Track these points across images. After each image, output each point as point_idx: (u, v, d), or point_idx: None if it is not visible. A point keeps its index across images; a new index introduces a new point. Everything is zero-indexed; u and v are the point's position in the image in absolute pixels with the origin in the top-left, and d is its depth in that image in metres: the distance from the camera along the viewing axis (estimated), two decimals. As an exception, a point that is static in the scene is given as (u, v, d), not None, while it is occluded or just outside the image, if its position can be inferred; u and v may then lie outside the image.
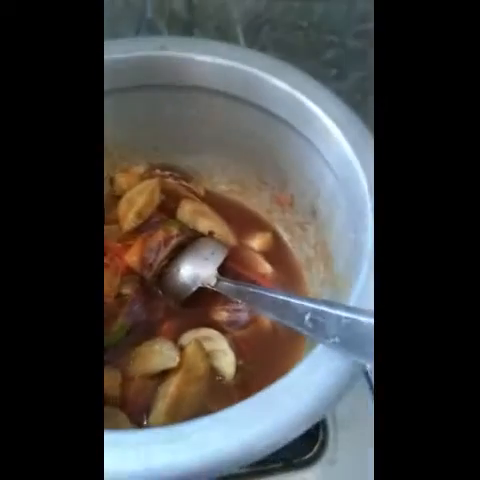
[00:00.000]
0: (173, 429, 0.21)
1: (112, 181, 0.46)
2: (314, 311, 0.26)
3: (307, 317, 0.26)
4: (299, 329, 0.26)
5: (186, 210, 0.45)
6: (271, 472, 0.39)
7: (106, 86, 0.39)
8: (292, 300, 0.29)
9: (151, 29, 0.47)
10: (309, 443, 0.41)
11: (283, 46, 0.49)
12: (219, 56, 0.37)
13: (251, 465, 0.34)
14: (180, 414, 0.33)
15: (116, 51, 0.39)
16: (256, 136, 0.41)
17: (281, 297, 0.31)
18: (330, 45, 0.50)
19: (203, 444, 0.21)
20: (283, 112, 0.37)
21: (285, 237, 0.45)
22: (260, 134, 0.41)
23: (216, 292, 0.39)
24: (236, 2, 0.46)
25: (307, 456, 0.40)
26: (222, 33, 0.48)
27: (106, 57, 0.38)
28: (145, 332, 0.38)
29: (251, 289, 0.34)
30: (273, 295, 0.32)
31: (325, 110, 0.33)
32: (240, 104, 0.39)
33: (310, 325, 0.25)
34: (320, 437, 0.41)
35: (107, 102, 0.40)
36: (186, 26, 0.47)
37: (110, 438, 0.20)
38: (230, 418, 0.22)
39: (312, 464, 0.39)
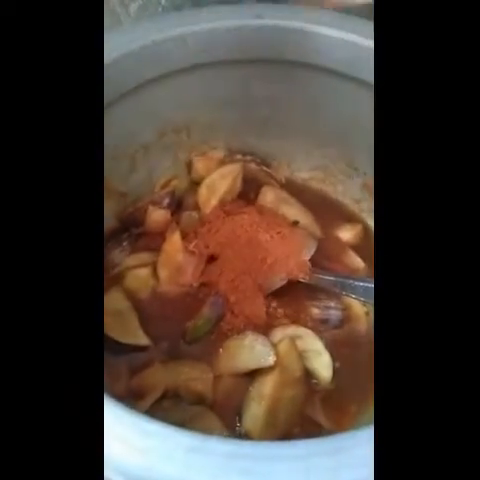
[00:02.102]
0: (331, 440, 0.18)
1: (189, 165, 0.43)
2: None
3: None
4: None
5: (267, 197, 0.42)
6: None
7: (191, 61, 0.37)
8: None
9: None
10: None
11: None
12: (327, 26, 0.33)
13: None
14: (278, 420, 0.30)
15: (206, 20, 0.35)
16: (354, 116, 0.38)
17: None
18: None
19: (367, 459, 0.17)
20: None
21: (377, 229, 0.41)
22: (358, 113, 0.37)
23: (305, 286, 0.36)
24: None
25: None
26: (313, 3, 0.44)
27: (194, 27, 0.35)
28: (230, 326, 0.35)
29: (357, 282, 0.31)
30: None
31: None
32: (343, 81, 0.35)
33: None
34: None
35: (191, 78, 0.38)
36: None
37: (262, 450, 0.17)
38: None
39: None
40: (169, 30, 0.34)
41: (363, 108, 0.37)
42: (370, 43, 0.32)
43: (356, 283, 0.31)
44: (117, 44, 0.33)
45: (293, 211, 0.41)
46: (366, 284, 0.30)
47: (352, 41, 0.33)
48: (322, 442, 0.18)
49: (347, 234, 0.41)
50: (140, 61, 0.34)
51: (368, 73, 0.34)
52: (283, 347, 0.32)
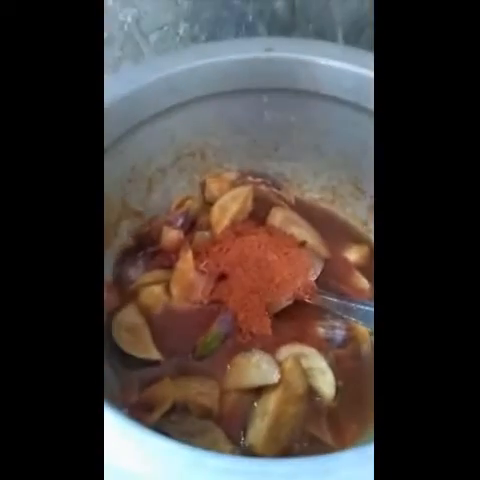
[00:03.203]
0: (317, 461, 0.19)
1: (203, 186, 0.45)
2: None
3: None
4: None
5: (277, 218, 0.43)
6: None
7: (207, 90, 0.39)
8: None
9: (250, 32, 0.46)
10: None
11: (386, 49, 0.46)
12: (333, 58, 0.35)
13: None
14: (280, 436, 0.31)
15: (221, 53, 0.38)
16: (360, 142, 0.39)
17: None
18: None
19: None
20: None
21: (383, 251, 0.42)
22: (364, 140, 0.39)
23: (311, 306, 0.37)
24: (339, 3, 0.44)
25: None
26: (321, 35, 0.46)
27: (210, 60, 0.38)
28: (238, 343, 0.36)
29: (360, 306, 0.32)
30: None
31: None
32: (349, 109, 0.37)
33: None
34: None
35: (207, 106, 0.40)
36: (286, 28, 0.46)
37: (256, 467, 0.18)
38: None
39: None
40: (184, 63, 0.36)
41: (369, 135, 0.38)
42: (372, 74, 0.34)
43: (359, 306, 0.32)
44: (136, 77, 0.36)
45: (302, 231, 0.43)
46: (368, 308, 0.31)
47: (357, 72, 0.35)
48: (310, 462, 0.19)
49: (354, 255, 0.42)
50: (157, 92, 0.36)
51: (371, 101, 0.35)
52: (288, 365, 0.33)
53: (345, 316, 0.34)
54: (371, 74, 0.34)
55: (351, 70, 0.34)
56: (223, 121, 0.41)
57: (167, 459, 0.19)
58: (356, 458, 0.19)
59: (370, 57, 0.36)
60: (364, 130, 0.38)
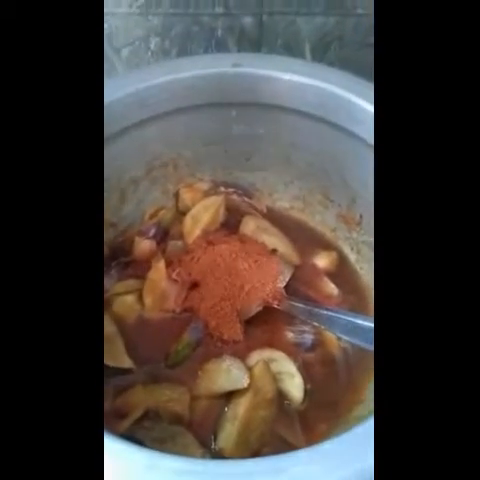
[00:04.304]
0: (272, 461, 0.20)
1: (177, 196, 0.46)
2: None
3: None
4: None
5: (249, 226, 0.44)
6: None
7: (177, 104, 0.40)
8: (372, 325, 0.28)
9: (220, 47, 0.47)
10: None
11: (351, 63, 0.48)
12: (295, 73, 0.36)
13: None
14: (250, 439, 0.32)
15: (189, 68, 0.39)
16: (326, 153, 0.41)
17: (359, 321, 0.30)
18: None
19: (305, 479, 0.20)
20: (360, 130, 0.36)
21: (351, 257, 0.44)
22: (331, 151, 0.40)
23: (280, 312, 0.39)
24: (306, 20, 0.46)
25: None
26: (289, 50, 0.48)
27: (179, 75, 0.39)
28: (210, 350, 0.37)
29: (324, 311, 0.33)
30: (350, 319, 0.30)
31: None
32: (313, 121, 0.38)
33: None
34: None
35: (177, 119, 0.41)
36: (254, 44, 0.47)
37: (209, 468, 0.19)
38: (330, 453, 0.21)
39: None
40: (153, 78, 0.37)
41: (333, 146, 0.40)
42: (334, 89, 0.36)
43: (325, 312, 0.33)
44: (107, 91, 0.37)
45: (272, 239, 0.44)
46: (335, 314, 0.32)
47: (320, 87, 0.36)
48: (264, 461, 0.20)
49: (323, 261, 0.44)
50: (127, 106, 0.37)
51: (335, 115, 0.37)
52: (257, 370, 0.34)
53: (311, 321, 0.35)
54: (334, 89, 0.36)
55: (314, 85, 0.36)
56: (194, 134, 0.42)
57: (126, 461, 0.20)
58: (308, 456, 0.21)
59: (333, 72, 0.38)
60: (329, 143, 0.40)
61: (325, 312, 0.32)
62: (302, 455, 0.21)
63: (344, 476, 0.20)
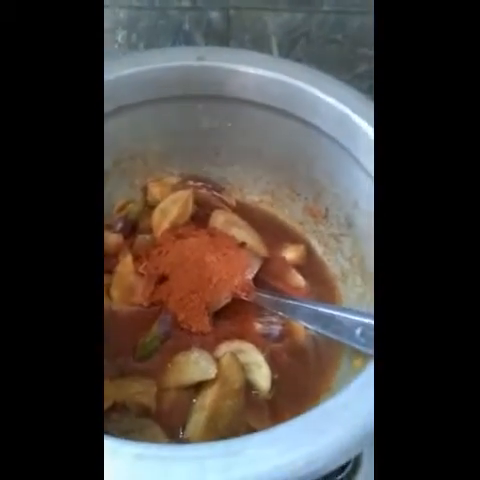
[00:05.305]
0: (227, 444, 0.21)
1: (145, 190, 0.46)
2: (365, 325, 0.25)
3: (358, 331, 0.25)
4: (350, 343, 0.26)
5: (218, 220, 0.45)
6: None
7: (143, 96, 0.40)
8: (337, 313, 0.28)
9: (188, 40, 0.47)
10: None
11: (317, 59, 0.49)
12: (261, 67, 0.37)
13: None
14: (218, 428, 0.32)
15: (155, 61, 0.39)
16: (292, 147, 0.41)
17: (325, 310, 0.31)
18: (364, 58, 0.50)
19: (258, 461, 0.20)
20: (325, 124, 0.36)
21: (319, 249, 0.45)
22: (297, 145, 0.41)
23: (249, 304, 0.39)
24: (273, 15, 0.47)
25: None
26: (257, 45, 0.48)
27: (145, 67, 0.39)
28: (179, 343, 0.37)
29: (290, 301, 0.34)
30: (316, 308, 0.31)
31: (370, 122, 0.33)
32: (280, 116, 0.39)
33: (363, 340, 0.25)
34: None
35: (145, 112, 0.41)
36: (222, 38, 0.47)
37: (164, 452, 0.19)
38: (284, 435, 0.22)
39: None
40: (119, 70, 0.37)
41: (299, 140, 0.41)
42: (301, 84, 0.36)
43: (293, 303, 0.33)
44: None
45: (242, 233, 0.44)
46: (301, 304, 0.33)
47: (285, 81, 0.37)
48: (221, 444, 0.21)
49: (291, 254, 0.44)
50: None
51: (301, 110, 0.38)
52: (225, 361, 0.35)
53: (279, 312, 0.36)
54: (300, 84, 0.37)
55: (280, 79, 0.37)
56: (161, 127, 0.42)
57: None
58: (262, 439, 0.21)
59: (300, 68, 0.38)
60: (296, 137, 0.40)
61: (292, 302, 0.33)
62: (256, 438, 0.21)
63: (295, 458, 0.21)
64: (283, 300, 0.34)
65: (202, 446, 0.21)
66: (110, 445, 0.20)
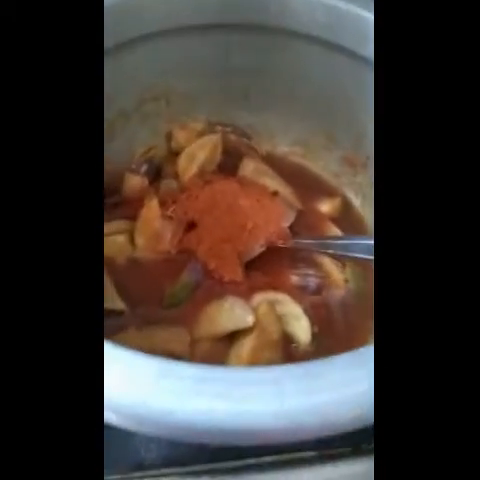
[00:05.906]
0: (306, 366, 0.18)
1: (169, 136, 0.43)
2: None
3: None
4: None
5: (248, 168, 0.41)
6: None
7: (170, 24, 0.36)
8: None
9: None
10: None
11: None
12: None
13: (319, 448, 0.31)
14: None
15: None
16: (335, 85, 0.38)
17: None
18: None
19: (343, 384, 0.17)
20: (370, 52, 0.33)
21: (356, 202, 0.42)
22: (339, 84, 0.37)
23: (284, 255, 0.36)
24: None
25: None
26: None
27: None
28: (210, 292, 0.34)
29: (338, 241, 0.31)
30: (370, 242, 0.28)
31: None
32: (322, 48, 0.35)
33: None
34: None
35: (171, 42, 0.37)
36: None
37: (230, 375, 0.17)
38: (363, 359, 0.19)
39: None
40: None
41: (344, 78, 0.37)
42: (349, 7, 0.33)
43: (335, 242, 0.31)
44: None
45: (273, 183, 0.41)
46: (345, 241, 0.30)
47: (333, 5, 0.33)
48: (295, 367, 0.18)
49: (326, 207, 0.41)
50: (122, 17, 0.33)
51: (349, 39, 0.34)
52: (262, 310, 0.32)
53: (322, 250, 0.33)
54: (345, 6, 0.33)
55: (324, 2, 0.33)
56: (188, 61, 0.38)
57: (138, 370, 0.17)
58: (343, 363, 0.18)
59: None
60: (338, 73, 0.37)
61: (338, 241, 0.30)
62: (338, 361, 0.19)
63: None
64: (330, 241, 0.31)
65: (279, 368, 0.18)
66: (166, 366, 0.17)
